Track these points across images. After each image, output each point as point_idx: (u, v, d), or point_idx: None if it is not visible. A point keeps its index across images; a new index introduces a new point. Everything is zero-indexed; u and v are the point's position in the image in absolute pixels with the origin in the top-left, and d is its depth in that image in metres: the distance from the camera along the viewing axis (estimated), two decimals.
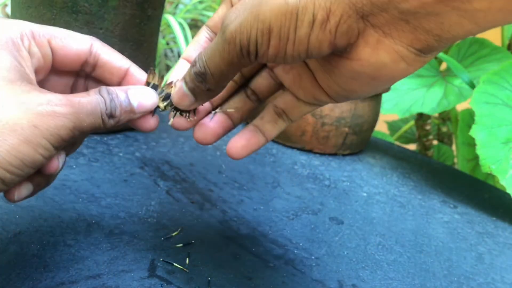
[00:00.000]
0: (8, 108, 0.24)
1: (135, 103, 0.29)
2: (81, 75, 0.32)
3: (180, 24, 1.02)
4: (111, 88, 0.28)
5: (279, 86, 0.32)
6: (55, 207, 0.40)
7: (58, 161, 0.27)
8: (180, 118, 0.31)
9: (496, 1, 0.19)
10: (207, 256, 0.37)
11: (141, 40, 0.54)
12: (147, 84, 0.31)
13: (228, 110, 0.32)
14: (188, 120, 0.31)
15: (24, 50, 0.27)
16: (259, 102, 0.33)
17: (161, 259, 0.36)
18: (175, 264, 0.35)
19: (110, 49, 0.31)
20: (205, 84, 0.27)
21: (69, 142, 0.27)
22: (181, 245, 0.38)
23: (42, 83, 0.30)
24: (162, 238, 0.38)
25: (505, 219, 0.56)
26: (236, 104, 0.32)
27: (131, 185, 0.46)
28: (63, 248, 0.35)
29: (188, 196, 0.46)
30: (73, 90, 0.33)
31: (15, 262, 0.32)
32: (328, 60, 0.26)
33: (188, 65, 0.30)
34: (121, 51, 0.52)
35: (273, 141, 0.66)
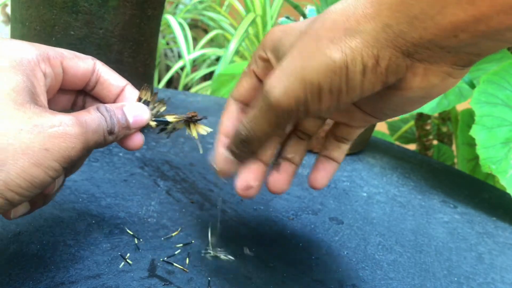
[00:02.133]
0: (21, 132, 0.24)
1: (130, 119, 0.30)
2: (80, 93, 0.33)
3: (180, 24, 1.02)
4: (109, 106, 0.29)
5: (325, 120, 0.34)
6: (55, 207, 0.40)
7: (55, 181, 0.28)
8: (245, 181, 0.32)
9: None
10: (207, 256, 0.37)
11: (141, 40, 0.54)
12: (139, 99, 0.32)
13: (289, 156, 0.34)
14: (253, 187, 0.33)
15: (39, 71, 0.28)
16: (310, 138, 0.35)
17: (161, 259, 0.36)
18: (175, 264, 0.35)
19: (109, 68, 0.33)
20: (249, 148, 0.29)
21: (76, 162, 0.28)
22: (181, 245, 0.38)
23: (49, 101, 0.31)
24: (162, 238, 0.38)
25: (505, 219, 0.56)
26: (293, 149, 0.34)
27: (131, 185, 0.46)
28: (63, 248, 0.35)
29: (188, 196, 0.46)
30: (73, 106, 0.34)
31: (15, 262, 0.32)
32: (378, 94, 0.27)
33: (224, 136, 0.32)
34: (121, 51, 0.53)
35: None
